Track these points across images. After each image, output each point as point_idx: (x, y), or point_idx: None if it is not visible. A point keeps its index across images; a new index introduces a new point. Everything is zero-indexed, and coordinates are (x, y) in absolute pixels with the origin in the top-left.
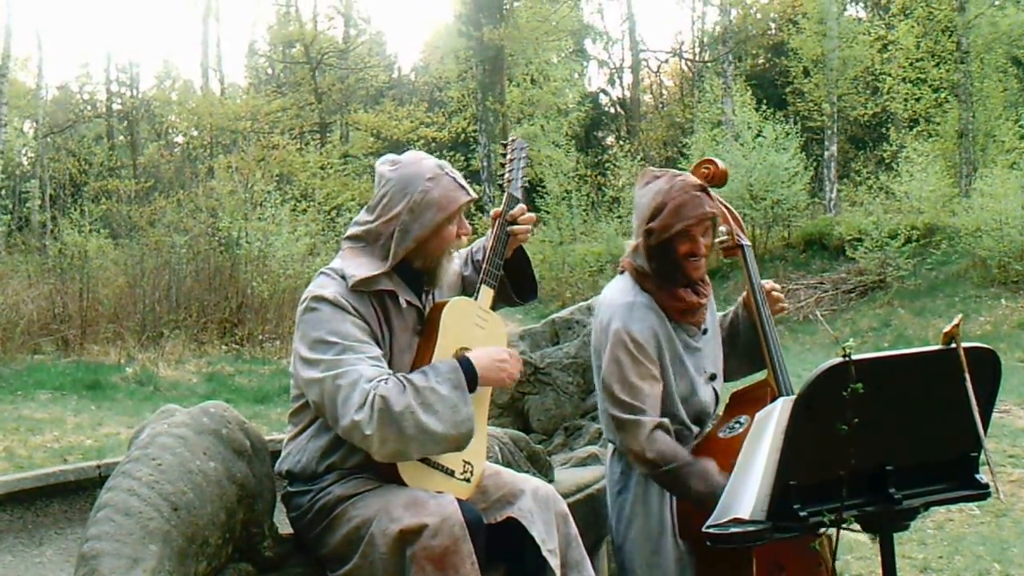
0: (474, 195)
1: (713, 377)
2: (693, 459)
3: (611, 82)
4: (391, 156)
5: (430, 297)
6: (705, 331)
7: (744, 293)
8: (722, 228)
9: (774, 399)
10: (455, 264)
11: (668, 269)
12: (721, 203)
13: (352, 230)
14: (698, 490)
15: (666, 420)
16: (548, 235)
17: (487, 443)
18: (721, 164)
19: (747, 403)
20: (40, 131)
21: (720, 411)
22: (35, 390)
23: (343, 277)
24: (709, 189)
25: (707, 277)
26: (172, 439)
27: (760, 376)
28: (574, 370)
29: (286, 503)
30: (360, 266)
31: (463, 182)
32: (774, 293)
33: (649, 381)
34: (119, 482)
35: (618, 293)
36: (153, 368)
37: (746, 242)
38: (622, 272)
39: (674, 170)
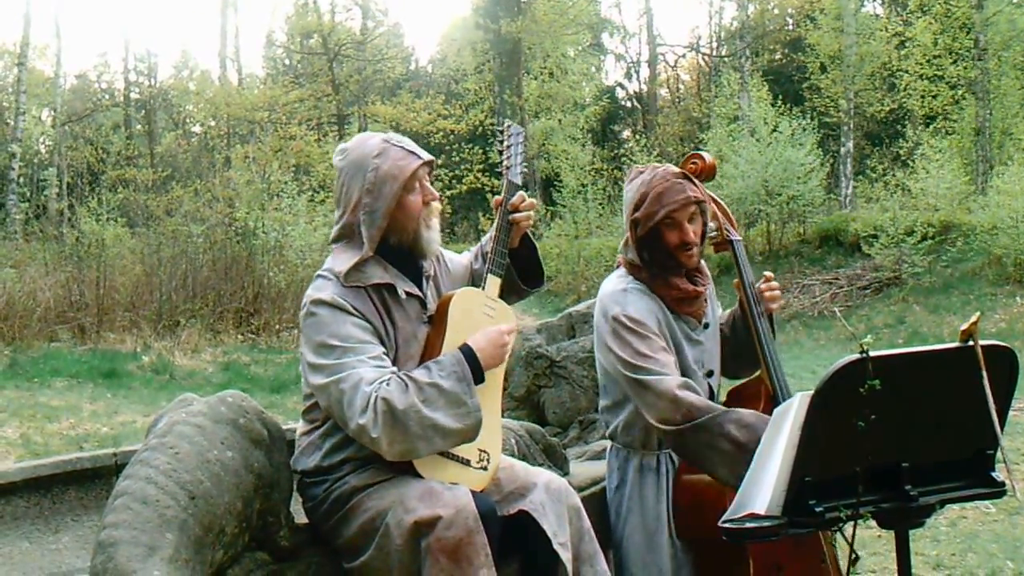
0: (427, 157)
1: (711, 374)
2: (728, 408)
3: (628, 76)
4: (341, 146)
5: (431, 283)
6: (707, 325)
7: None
8: (711, 224)
9: (768, 395)
10: (465, 257)
11: (661, 259)
12: (711, 198)
13: (333, 232)
14: (738, 439)
15: (691, 381)
16: (564, 229)
17: (503, 434)
18: (708, 158)
19: (743, 400)
20: (58, 120)
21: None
22: (51, 377)
23: (337, 277)
24: (692, 177)
25: (705, 268)
26: (190, 428)
27: (755, 372)
28: (589, 364)
29: (301, 493)
30: (345, 261)
31: (413, 148)
32: (768, 285)
33: (661, 352)
34: (136, 470)
35: (612, 284)
36: (169, 357)
37: (736, 237)
38: (617, 267)
39: (656, 163)
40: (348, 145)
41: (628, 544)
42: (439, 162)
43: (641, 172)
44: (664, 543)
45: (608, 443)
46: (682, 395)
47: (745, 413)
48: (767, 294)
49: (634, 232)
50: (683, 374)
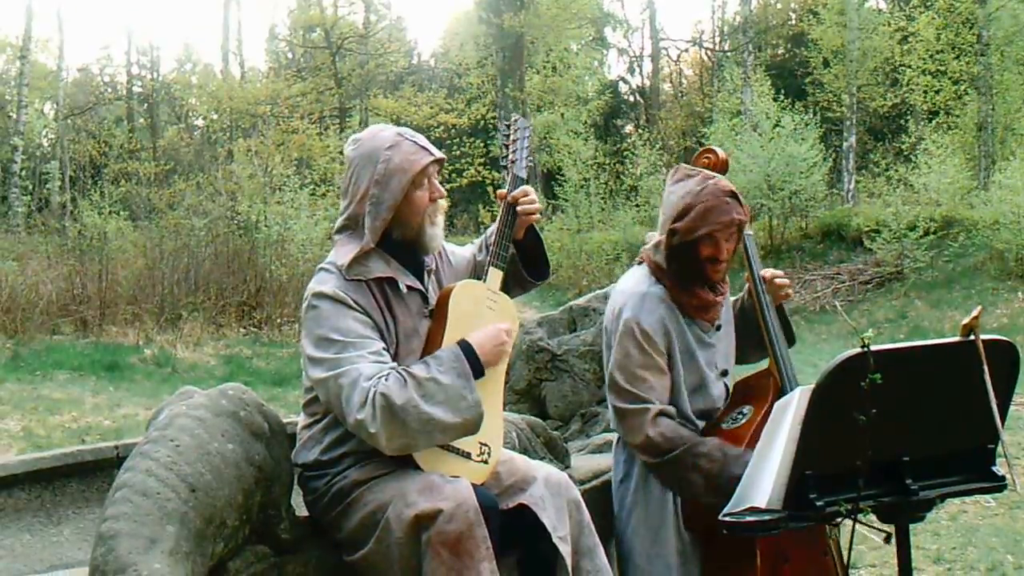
0: (439, 154)
1: (724, 373)
2: (700, 439)
3: (631, 70)
4: (354, 136)
5: (432, 277)
6: (719, 327)
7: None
8: None
9: (776, 388)
10: (467, 250)
11: (688, 270)
12: None
13: (337, 223)
14: (708, 471)
15: (670, 408)
16: (566, 223)
17: (504, 427)
18: (721, 153)
19: (750, 393)
20: (61, 113)
21: None
22: (54, 370)
23: (339, 270)
24: (740, 196)
25: (727, 277)
26: (190, 420)
27: (764, 365)
28: (591, 357)
29: (302, 486)
30: (347, 253)
31: (425, 144)
32: (777, 280)
33: (655, 373)
34: (137, 463)
35: (633, 282)
36: (171, 350)
37: (747, 231)
38: (640, 263)
39: (708, 172)
40: (362, 135)
41: (632, 537)
42: None
43: (690, 176)
44: (671, 537)
45: (611, 436)
46: (653, 434)
47: (713, 446)
48: (776, 282)
49: (669, 239)
50: (697, 377)
